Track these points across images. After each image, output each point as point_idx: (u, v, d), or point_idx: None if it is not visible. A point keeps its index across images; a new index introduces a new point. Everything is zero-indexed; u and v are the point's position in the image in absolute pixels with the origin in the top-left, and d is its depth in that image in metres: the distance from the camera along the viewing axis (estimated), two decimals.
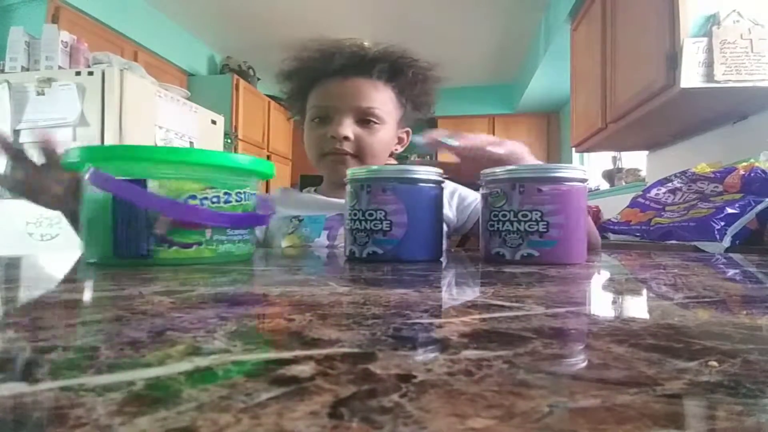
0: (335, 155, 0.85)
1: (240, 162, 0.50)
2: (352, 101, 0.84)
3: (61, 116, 2.15)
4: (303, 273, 0.43)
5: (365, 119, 0.85)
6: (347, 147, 0.84)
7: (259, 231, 0.94)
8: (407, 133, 0.97)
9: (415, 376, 0.13)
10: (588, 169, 0.53)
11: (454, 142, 0.63)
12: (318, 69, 0.86)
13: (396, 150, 0.96)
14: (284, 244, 0.89)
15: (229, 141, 3.48)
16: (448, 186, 0.87)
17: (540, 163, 0.60)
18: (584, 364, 0.15)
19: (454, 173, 0.65)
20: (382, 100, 0.86)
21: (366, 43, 0.89)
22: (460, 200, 0.92)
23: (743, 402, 0.11)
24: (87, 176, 0.45)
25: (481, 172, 0.55)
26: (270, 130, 4.32)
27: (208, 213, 0.47)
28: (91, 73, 2.19)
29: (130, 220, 0.44)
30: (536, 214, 0.48)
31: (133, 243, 0.44)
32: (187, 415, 0.10)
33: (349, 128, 0.83)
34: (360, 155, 0.85)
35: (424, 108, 0.95)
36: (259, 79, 4.30)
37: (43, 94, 2.18)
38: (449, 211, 0.91)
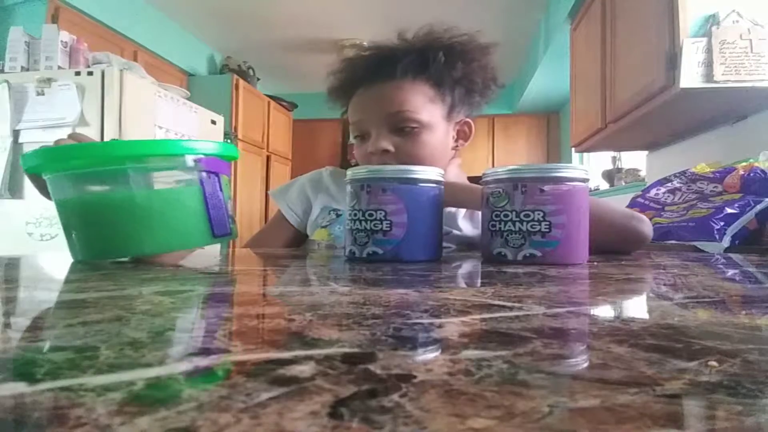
0: None
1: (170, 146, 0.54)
2: (379, 110, 0.76)
3: (60, 116, 2.15)
4: (303, 273, 0.43)
5: (401, 127, 0.76)
6: (390, 160, 0.76)
7: (304, 215, 0.91)
8: (467, 124, 0.84)
9: (415, 376, 0.13)
10: (588, 169, 0.54)
11: None
12: (349, 82, 0.81)
13: (459, 146, 0.84)
14: (314, 236, 0.86)
15: (228, 141, 3.48)
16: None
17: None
18: (584, 364, 0.15)
19: None
20: (413, 100, 0.76)
21: (401, 37, 0.80)
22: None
23: (743, 402, 0.11)
24: (195, 162, 0.50)
25: (482, 172, 0.55)
26: (270, 130, 4.31)
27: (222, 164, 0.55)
28: (90, 73, 2.19)
29: (219, 206, 0.52)
30: (539, 214, 0.48)
31: (224, 224, 0.52)
32: (187, 415, 0.10)
33: (385, 140, 0.75)
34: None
35: (479, 87, 0.81)
36: (259, 79, 4.30)
37: (43, 94, 2.18)
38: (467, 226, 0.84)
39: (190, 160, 0.50)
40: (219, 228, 0.51)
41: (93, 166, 0.49)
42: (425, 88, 0.77)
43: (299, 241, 0.93)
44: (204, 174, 0.51)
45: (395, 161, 0.76)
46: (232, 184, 3.65)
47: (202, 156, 0.50)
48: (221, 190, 0.53)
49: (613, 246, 0.67)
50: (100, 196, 0.51)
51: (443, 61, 0.77)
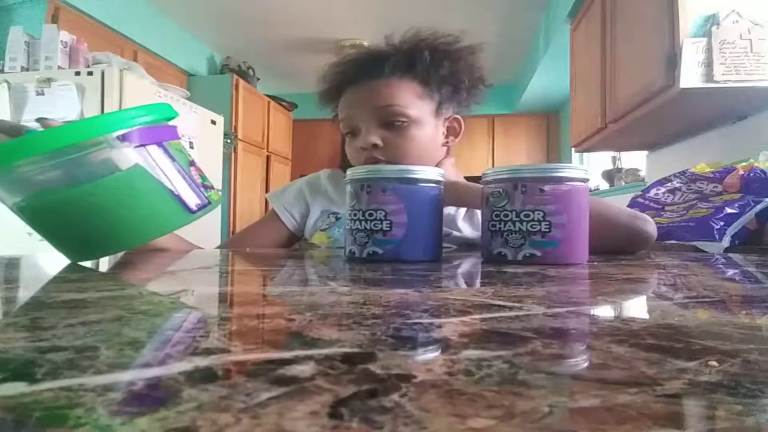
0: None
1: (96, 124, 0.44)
2: (368, 105, 0.78)
3: (60, 116, 2.15)
4: (303, 273, 0.43)
5: (390, 121, 0.77)
6: (379, 154, 0.77)
7: (301, 219, 0.92)
8: (457, 120, 0.85)
9: (415, 376, 0.13)
10: (588, 169, 0.54)
11: None
12: (338, 83, 0.82)
13: (450, 143, 0.86)
14: (313, 240, 0.87)
15: (228, 141, 3.47)
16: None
17: None
18: (584, 364, 0.15)
19: None
20: (401, 95, 0.77)
21: (388, 42, 0.81)
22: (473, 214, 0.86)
23: (743, 402, 0.11)
24: (127, 135, 0.43)
25: (482, 171, 0.55)
26: (270, 131, 4.31)
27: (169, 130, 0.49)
28: (90, 73, 2.19)
29: (181, 177, 0.46)
30: (538, 214, 0.48)
31: (198, 194, 0.47)
32: (187, 415, 0.10)
33: (375, 134, 0.77)
34: (396, 161, 0.77)
35: (466, 86, 0.83)
36: (258, 79, 4.30)
37: (43, 94, 2.18)
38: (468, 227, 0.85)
39: (113, 139, 0.41)
40: (193, 201, 0.45)
41: (11, 169, 0.41)
42: (413, 85, 0.79)
43: (289, 243, 0.94)
44: (141, 148, 0.43)
45: (385, 156, 0.77)
46: (231, 183, 3.68)
47: (125, 131, 0.42)
48: (173, 159, 0.45)
49: (618, 246, 0.67)
50: (39, 201, 0.44)
51: (429, 61, 0.78)
